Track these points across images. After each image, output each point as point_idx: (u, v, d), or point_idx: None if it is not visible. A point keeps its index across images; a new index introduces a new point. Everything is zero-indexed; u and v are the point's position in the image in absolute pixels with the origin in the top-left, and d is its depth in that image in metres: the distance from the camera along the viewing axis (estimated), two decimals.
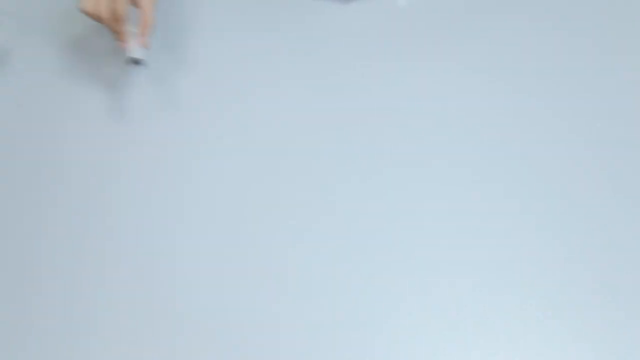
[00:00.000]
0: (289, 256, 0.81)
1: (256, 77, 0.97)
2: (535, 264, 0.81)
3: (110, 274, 0.79)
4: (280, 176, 0.86)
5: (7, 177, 0.86)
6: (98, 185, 0.86)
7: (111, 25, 0.82)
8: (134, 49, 0.84)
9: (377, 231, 0.83)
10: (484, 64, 1.01)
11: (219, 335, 0.75)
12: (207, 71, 0.98)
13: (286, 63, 0.99)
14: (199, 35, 1.02)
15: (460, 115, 0.95)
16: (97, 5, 0.80)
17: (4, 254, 0.80)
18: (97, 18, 0.80)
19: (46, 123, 0.92)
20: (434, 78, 0.99)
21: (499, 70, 1.00)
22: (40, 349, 0.74)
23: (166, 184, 0.86)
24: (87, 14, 0.80)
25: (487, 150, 0.91)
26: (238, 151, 0.90)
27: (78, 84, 0.96)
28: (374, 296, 0.78)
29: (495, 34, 1.05)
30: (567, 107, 0.97)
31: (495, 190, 0.87)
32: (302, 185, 0.86)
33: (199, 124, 0.93)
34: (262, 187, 0.86)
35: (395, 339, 0.75)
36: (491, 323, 0.76)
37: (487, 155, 0.91)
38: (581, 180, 0.89)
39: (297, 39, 1.02)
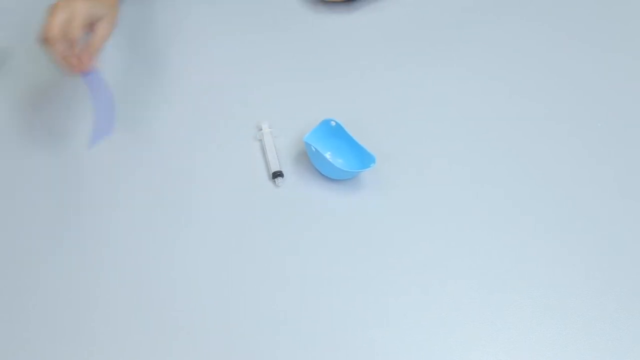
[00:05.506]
0: (288, 256, 0.81)
1: (257, 82, 0.97)
2: (534, 264, 0.81)
3: (109, 273, 0.79)
4: (283, 176, 0.86)
5: (7, 177, 0.87)
6: (98, 185, 0.86)
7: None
8: (275, 164, 0.86)
9: (375, 231, 0.83)
10: (485, 65, 1.01)
11: (218, 336, 0.75)
12: (210, 74, 0.98)
13: (289, 62, 0.99)
14: (202, 39, 1.02)
15: (459, 116, 0.95)
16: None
17: (4, 254, 0.80)
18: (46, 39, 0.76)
19: (46, 123, 0.92)
20: (435, 79, 0.99)
21: (500, 72, 1.00)
22: (40, 349, 0.74)
23: (167, 185, 0.87)
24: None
25: (486, 150, 0.91)
26: (239, 153, 0.90)
27: (79, 83, 0.96)
28: (372, 296, 0.78)
29: (495, 35, 1.05)
30: (567, 108, 0.97)
31: (494, 190, 0.87)
32: (300, 186, 0.86)
33: (195, 126, 0.93)
34: (263, 189, 0.86)
35: (394, 339, 0.75)
36: (490, 323, 0.76)
37: (486, 155, 0.91)
38: (580, 180, 0.89)
39: (299, 41, 1.02)
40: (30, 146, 0.90)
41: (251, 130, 0.91)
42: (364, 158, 0.85)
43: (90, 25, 0.81)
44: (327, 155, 0.87)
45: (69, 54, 0.78)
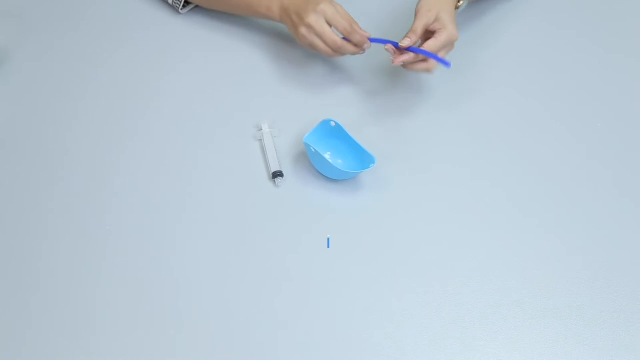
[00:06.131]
0: (288, 256, 0.81)
1: (257, 82, 0.97)
2: (534, 264, 0.81)
3: (110, 273, 0.79)
4: (283, 176, 0.86)
5: (7, 177, 0.87)
6: (98, 185, 0.86)
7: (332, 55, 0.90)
8: (275, 164, 0.87)
9: (375, 231, 0.83)
10: (485, 65, 1.01)
11: (218, 336, 0.75)
12: (211, 74, 0.98)
13: (289, 62, 0.99)
14: (203, 38, 1.01)
15: (459, 116, 0.95)
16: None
17: (4, 254, 0.80)
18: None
19: (46, 123, 0.92)
20: (434, 79, 0.98)
21: (500, 72, 1.00)
22: (40, 349, 0.74)
23: (167, 185, 0.87)
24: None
25: (486, 150, 0.91)
26: (239, 153, 0.90)
27: (78, 83, 0.96)
28: (372, 296, 0.78)
29: (495, 35, 1.05)
30: (567, 108, 0.97)
31: (494, 190, 0.87)
32: (300, 186, 0.86)
33: (196, 126, 0.93)
34: (263, 189, 0.86)
35: (394, 339, 0.75)
36: (490, 323, 0.76)
37: (486, 155, 0.91)
38: (580, 180, 0.89)
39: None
40: (28, 146, 0.90)
41: (251, 130, 0.91)
42: (364, 158, 0.84)
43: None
44: (327, 155, 0.87)
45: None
